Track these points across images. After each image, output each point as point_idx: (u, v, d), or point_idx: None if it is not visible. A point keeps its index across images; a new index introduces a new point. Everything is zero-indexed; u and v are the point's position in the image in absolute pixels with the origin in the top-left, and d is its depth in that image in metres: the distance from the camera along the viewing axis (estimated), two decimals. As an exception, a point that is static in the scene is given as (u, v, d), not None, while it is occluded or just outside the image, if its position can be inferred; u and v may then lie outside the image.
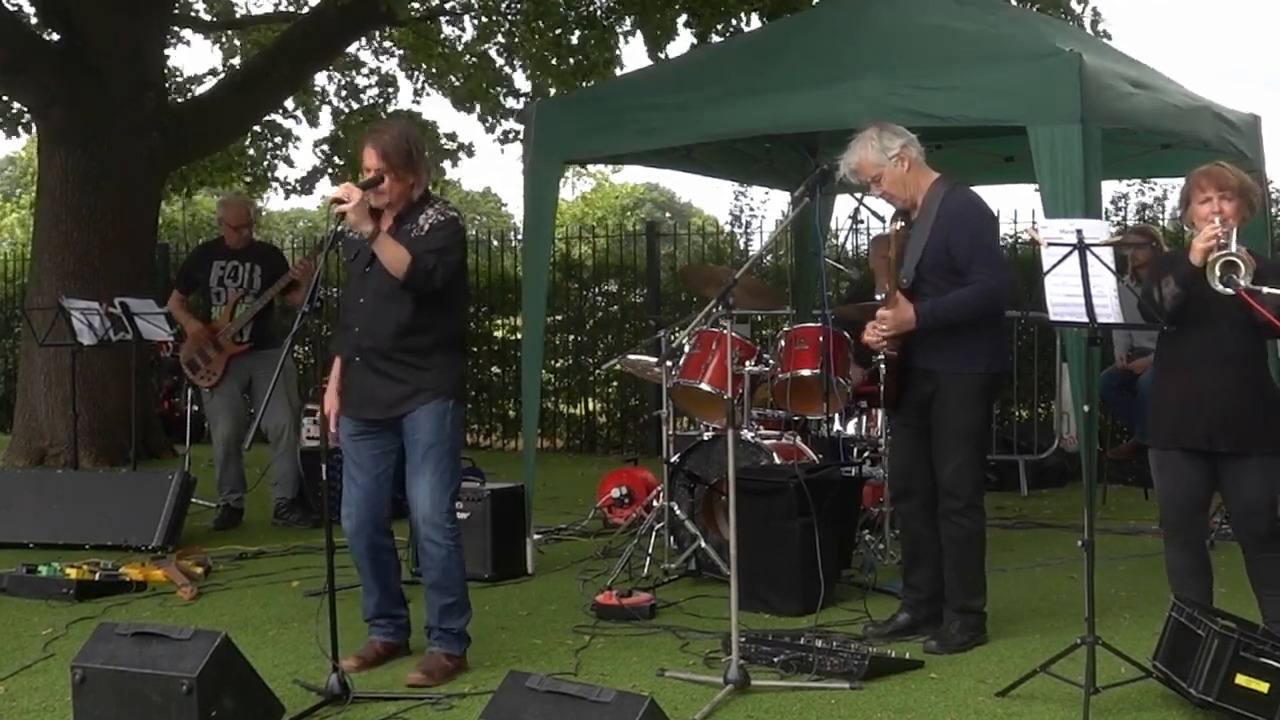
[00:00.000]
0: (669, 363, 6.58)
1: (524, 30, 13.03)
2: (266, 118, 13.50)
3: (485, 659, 4.82)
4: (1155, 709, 4.22)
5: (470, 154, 14.37)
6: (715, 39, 11.58)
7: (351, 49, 13.50)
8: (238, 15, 14.16)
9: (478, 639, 4.85)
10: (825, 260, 7.81)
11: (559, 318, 12.07)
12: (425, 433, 4.61)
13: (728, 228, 12.80)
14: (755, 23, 11.74)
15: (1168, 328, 4.44)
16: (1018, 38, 6.06)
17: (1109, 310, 4.23)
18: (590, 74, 12.62)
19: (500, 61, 13.75)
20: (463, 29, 13.80)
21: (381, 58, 14.20)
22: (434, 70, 13.80)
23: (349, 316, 4.72)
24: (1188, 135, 6.40)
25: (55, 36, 10.91)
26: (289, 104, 13.71)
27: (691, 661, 4.82)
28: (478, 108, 13.68)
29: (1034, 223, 7.58)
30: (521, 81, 13.74)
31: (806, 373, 6.51)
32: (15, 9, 11.42)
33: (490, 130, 13.83)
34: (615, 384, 12.08)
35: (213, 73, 13.77)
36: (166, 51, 12.09)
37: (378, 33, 13.51)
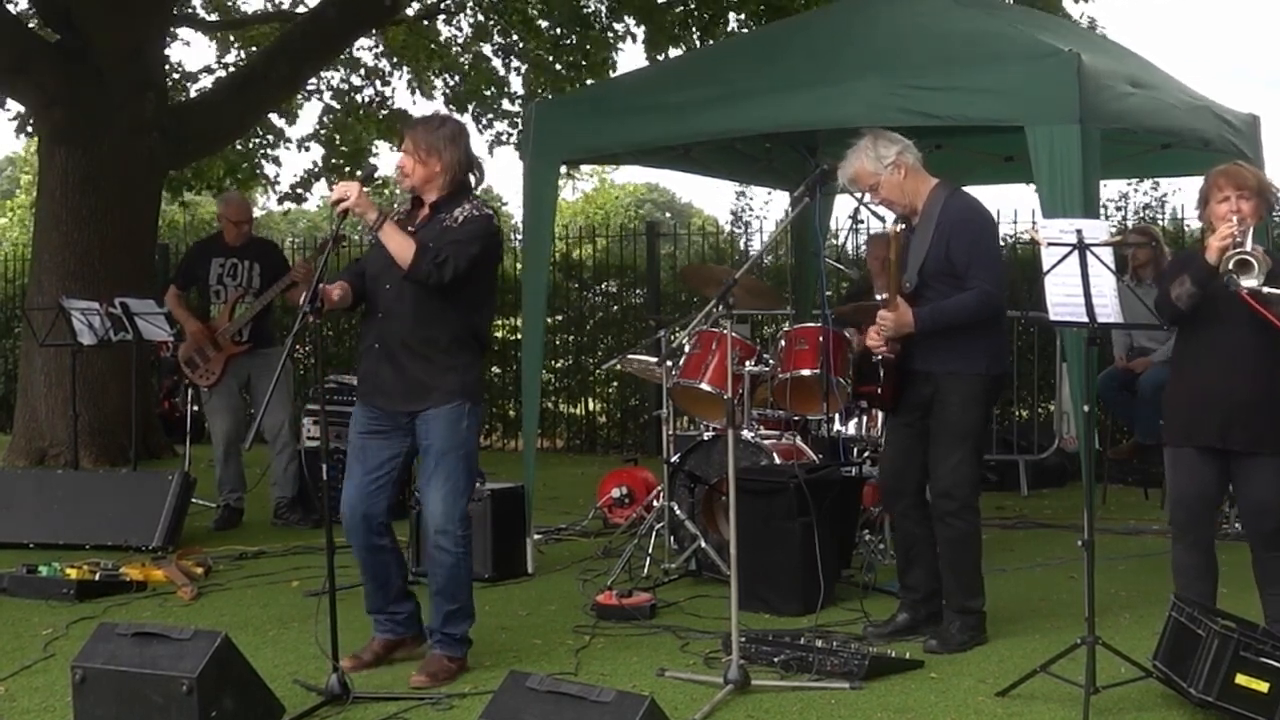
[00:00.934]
0: (669, 363, 6.59)
1: (522, 30, 13.04)
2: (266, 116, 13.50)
3: (485, 659, 4.82)
4: (1155, 709, 4.22)
5: None
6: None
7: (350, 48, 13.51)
8: (237, 15, 14.16)
9: (478, 639, 4.84)
10: (825, 260, 7.81)
11: (559, 318, 12.08)
12: (439, 438, 4.59)
13: (728, 228, 12.82)
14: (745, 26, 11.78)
15: (1166, 328, 4.45)
16: (1016, 38, 6.06)
17: (1109, 310, 4.23)
18: (587, 74, 12.63)
19: (496, 62, 13.78)
20: (459, 28, 13.84)
21: (380, 60, 14.24)
22: (429, 71, 13.81)
23: (375, 302, 4.69)
24: (1187, 135, 6.41)
25: (55, 36, 10.91)
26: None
27: (692, 661, 4.82)
28: (470, 108, 13.70)
29: (1034, 223, 7.58)
30: (516, 85, 13.80)
31: (806, 373, 6.51)
32: (15, 9, 11.43)
33: (482, 131, 13.88)
34: (615, 384, 12.08)
35: (207, 70, 13.78)
36: (167, 50, 12.10)
37: (373, 32, 13.51)
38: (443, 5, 13.37)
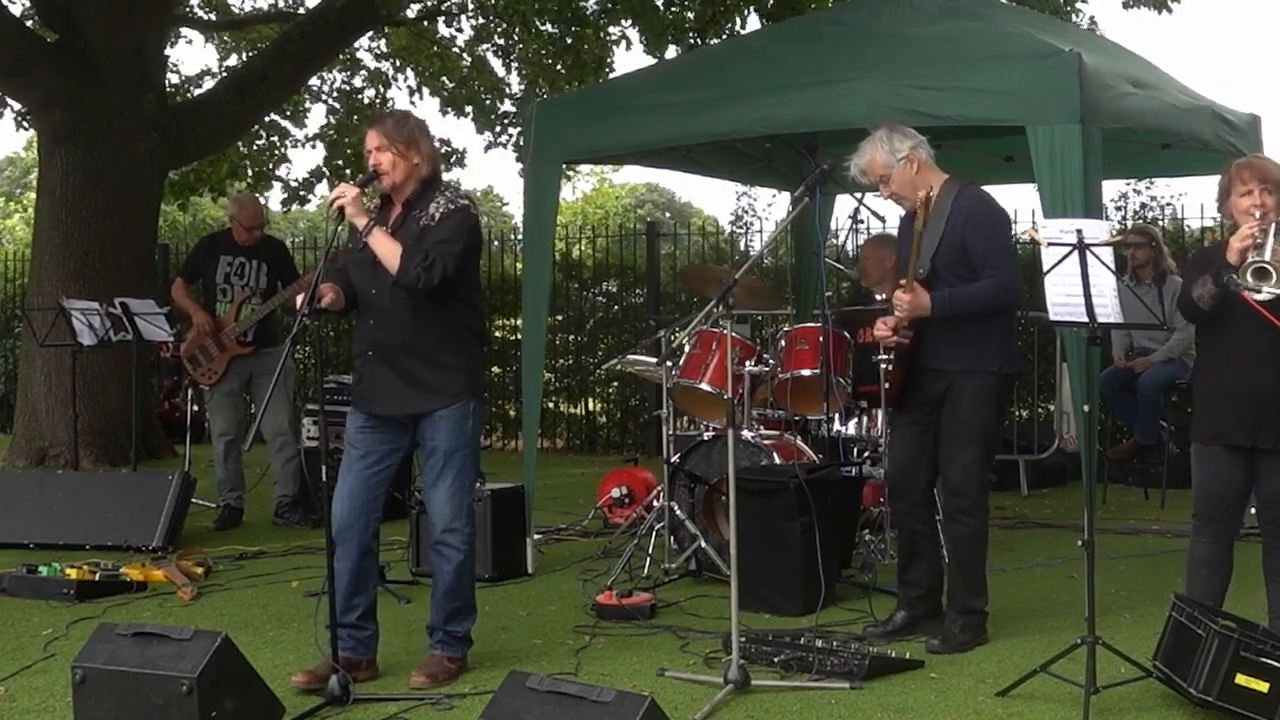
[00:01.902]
0: (669, 363, 6.59)
1: (520, 30, 13.03)
2: (267, 117, 13.50)
3: (486, 659, 4.82)
4: (1155, 709, 4.23)
5: (462, 164, 14.43)
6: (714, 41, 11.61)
7: (350, 49, 13.52)
8: (237, 15, 14.16)
9: (478, 639, 4.84)
10: (825, 260, 7.81)
11: (559, 318, 12.06)
12: (446, 438, 4.54)
13: (728, 228, 12.82)
14: (755, 23, 11.76)
15: (1165, 328, 4.45)
16: (1017, 38, 6.06)
17: (1109, 310, 4.23)
18: (584, 74, 12.63)
19: (496, 64, 13.79)
20: (459, 29, 13.84)
21: (381, 61, 14.24)
22: (427, 72, 13.81)
23: (364, 309, 4.63)
24: (1187, 135, 6.41)
25: (55, 36, 10.91)
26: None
27: (692, 661, 4.82)
28: (470, 110, 13.70)
29: (1034, 222, 7.57)
30: (515, 87, 13.80)
31: (807, 373, 6.51)
32: (15, 9, 11.44)
33: (480, 132, 13.88)
34: (615, 384, 12.08)
35: (209, 73, 13.78)
36: (169, 50, 12.11)
37: (373, 33, 13.51)
38: (443, 6, 13.37)
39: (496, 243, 13.01)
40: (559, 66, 12.93)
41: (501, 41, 13.63)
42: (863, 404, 6.80)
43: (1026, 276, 9.17)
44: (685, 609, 5.63)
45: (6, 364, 13.80)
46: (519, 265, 10.91)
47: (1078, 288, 4.21)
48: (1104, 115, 5.54)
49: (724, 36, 11.77)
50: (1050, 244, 4.24)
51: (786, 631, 4.95)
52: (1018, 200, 22.03)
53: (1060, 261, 4.21)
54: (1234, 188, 4.49)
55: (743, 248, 11.97)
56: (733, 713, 4.24)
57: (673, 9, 12.05)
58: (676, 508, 6.31)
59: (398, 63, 14.07)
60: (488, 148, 14.23)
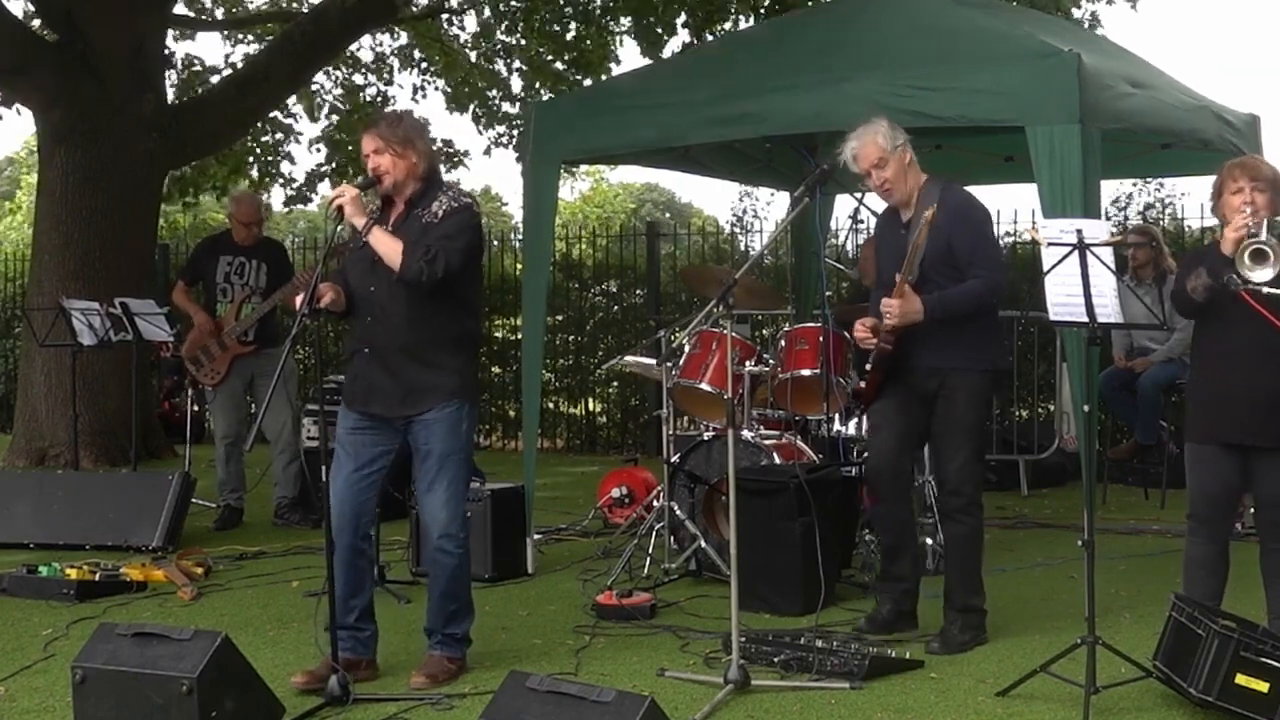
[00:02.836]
0: (669, 363, 6.58)
1: (523, 27, 13.03)
2: (270, 115, 13.49)
3: (485, 659, 4.82)
4: (1155, 709, 4.23)
5: (465, 165, 14.44)
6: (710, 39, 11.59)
7: (351, 47, 13.50)
8: (236, 14, 14.15)
9: (478, 639, 4.85)
10: (825, 260, 7.80)
11: (559, 318, 12.07)
12: (440, 442, 4.53)
13: (728, 228, 12.82)
14: (751, 21, 11.74)
15: (1165, 328, 4.44)
16: (1016, 38, 6.06)
17: (1109, 310, 4.24)
18: (586, 72, 12.62)
19: (499, 63, 13.76)
20: (463, 27, 13.84)
21: (387, 50, 14.23)
22: (432, 67, 13.80)
23: (362, 305, 4.60)
24: (1187, 135, 6.41)
25: (55, 36, 10.91)
26: (289, 102, 13.70)
27: (692, 661, 4.82)
28: (471, 108, 13.69)
29: (1034, 223, 7.58)
30: (517, 86, 13.79)
31: (807, 373, 6.51)
32: (16, 9, 11.44)
33: (482, 132, 13.88)
34: (615, 384, 12.08)
35: (213, 70, 13.77)
36: (173, 45, 12.13)
37: (374, 32, 13.51)
38: (447, 4, 13.36)
39: (496, 242, 13.01)
40: (558, 64, 12.91)
41: (503, 39, 13.62)
42: (862, 404, 6.80)
43: (1026, 276, 9.27)
44: (685, 609, 5.63)
45: (6, 364, 13.81)
46: (519, 265, 10.90)
47: (1078, 288, 4.21)
48: (1103, 115, 5.54)
49: (720, 35, 11.76)
50: (1050, 244, 4.24)
51: (786, 631, 4.95)
52: (1017, 200, 21.98)
53: (1060, 261, 4.21)
54: (1226, 186, 4.51)
55: (743, 248, 11.97)
56: (733, 713, 4.24)
57: (673, 3, 12.03)
58: (676, 508, 6.31)
59: (403, 58, 14.07)
60: (488, 149, 14.22)
